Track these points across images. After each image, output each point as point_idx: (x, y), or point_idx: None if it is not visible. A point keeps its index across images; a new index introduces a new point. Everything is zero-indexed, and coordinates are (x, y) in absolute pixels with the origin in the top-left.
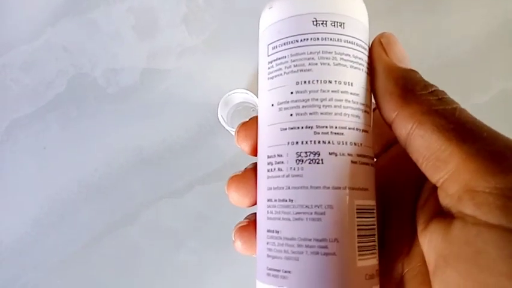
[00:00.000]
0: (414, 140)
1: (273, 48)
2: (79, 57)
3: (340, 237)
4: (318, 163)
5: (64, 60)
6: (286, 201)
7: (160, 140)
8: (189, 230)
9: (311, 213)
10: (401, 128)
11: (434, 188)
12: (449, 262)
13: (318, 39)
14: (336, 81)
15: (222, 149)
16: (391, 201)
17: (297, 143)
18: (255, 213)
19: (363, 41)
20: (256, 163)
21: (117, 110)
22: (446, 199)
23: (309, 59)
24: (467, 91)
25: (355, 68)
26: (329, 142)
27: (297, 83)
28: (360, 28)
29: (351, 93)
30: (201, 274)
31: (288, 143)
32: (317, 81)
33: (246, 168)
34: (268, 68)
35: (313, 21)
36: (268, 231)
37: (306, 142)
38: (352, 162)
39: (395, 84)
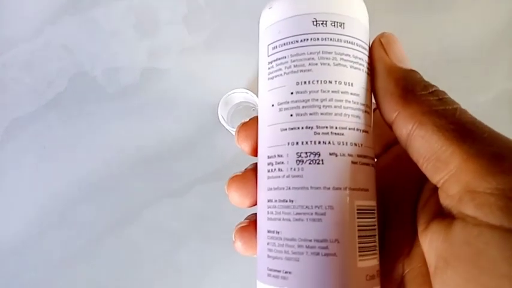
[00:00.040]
0: (415, 141)
1: (273, 48)
2: (79, 56)
3: (340, 238)
4: (318, 163)
5: (64, 59)
6: (286, 201)
7: (160, 139)
8: (189, 230)
9: (311, 214)
10: (402, 128)
11: (435, 189)
12: (449, 263)
13: (318, 39)
14: (336, 81)
15: (222, 149)
16: (392, 201)
17: (297, 143)
18: (256, 214)
19: (363, 41)
20: (256, 163)
21: (117, 109)
22: (446, 200)
23: (309, 59)
24: (469, 91)
25: (355, 68)
26: (329, 142)
27: (297, 84)
28: (360, 28)
29: (351, 94)
30: (201, 274)
31: (288, 144)
32: (317, 81)
33: (246, 169)
34: (268, 68)
35: (313, 22)
36: (269, 231)
37: (306, 142)
38: (353, 162)
39: (395, 85)
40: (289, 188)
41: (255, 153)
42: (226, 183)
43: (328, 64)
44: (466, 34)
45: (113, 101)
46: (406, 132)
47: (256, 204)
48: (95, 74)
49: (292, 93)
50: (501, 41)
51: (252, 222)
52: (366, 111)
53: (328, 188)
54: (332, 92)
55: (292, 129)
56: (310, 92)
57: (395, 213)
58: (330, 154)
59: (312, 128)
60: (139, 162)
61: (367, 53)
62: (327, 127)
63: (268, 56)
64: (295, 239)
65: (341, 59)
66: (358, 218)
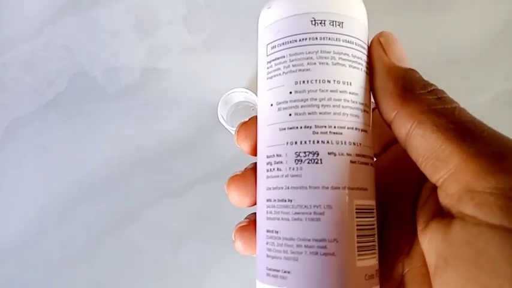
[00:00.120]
0: (414, 140)
1: (272, 48)
2: (79, 56)
3: (339, 237)
4: (316, 163)
5: (64, 59)
6: (285, 201)
7: (160, 139)
8: (189, 230)
9: (310, 213)
10: (401, 127)
11: (434, 188)
12: (449, 262)
13: (316, 38)
14: (334, 80)
15: (222, 149)
16: (391, 201)
17: (295, 143)
18: (255, 213)
19: (361, 41)
20: (256, 163)
21: (117, 109)
22: (446, 199)
23: (307, 58)
24: (468, 92)
25: (354, 67)
26: (328, 142)
27: (296, 83)
28: (358, 27)
29: (350, 93)
30: (201, 274)
31: (287, 143)
32: (316, 80)
33: (245, 168)
34: (267, 68)
35: (311, 21)
36: (268, 231)
37: (305, 142)
38: (351, 162)
39: (394, 84)
40: (288, 188)
41: (254, 152)
42: (226, 183)
43: (327, 63)
44: (465, 35)
45: (112, 101)
46: (405, 131)
47: (256, 203)
48: (94, 74)
49: (290, 92)
50: (500, 41)
51: (251, 222)
52: (364, 111)
53: (327, 188)
54: (331, 91)
55: (290, 128)
56: (308, 92)
57: (394, 212)
58: (329, 153)
59: (310, 127)
60: (139, 162)
61: (366, 52)
62: (325, 126)
63: (267, 56)
64: (294, 238)
65: (340, 58)
66: (357, 217)
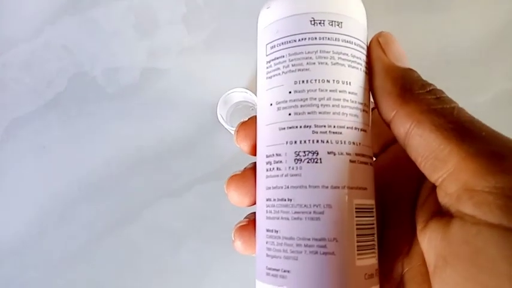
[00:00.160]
0: (413, 139)
1: (271, 47)
2: (79, 56)
3: (339, 237)
4: (316, 162)
5: (64, 59)
6: (285, 200)
7: (160, 139)
8: (189, 230)
9: (310, 213)
10: (400, 127)
11: (433, 187)
12: (448, 262)
13: (315, 38)
14: (334, 80)
15: (221, 149)
16: (391, 200)
17: (295, 142)
18: (255, 213)
19: (361, 40)
20: (255, 162)
21: (117, 109)
22: (445, 198)
23: (306, 58)
24: (467, 92)
25: (353, 67)
26: (327, 141)
27: (295, 83)
28: (357, 27)
29: (349, 93)
30: (201, 274)
31: (287, 143)
32: (315, 80)
33: (245, 168)
34: (267, 68)
35: (310, 21)
36: (267, 230)
37: (305, 141)
38: (351, 161)
39: (393, 84)
40: (288, 187)
41: (254, 152)
42: (226, 183)
43: (326, 63)
44: (464, 34)
45: (112, 101)
46: (404, 131)
47: (255, 203)
48: (94, 74)
49: (290, 92)
50: (500, 41)
51: (251, 221)
52: (364, 110)
53: (327, 187)
54: (330, 91)
55: (290, 128)
56: (308, 91)
57: (394, 211)
58: (328, 153)
59: (310, 127)
60: (139, 162)
61: (365, 52)
62: (325, 126)
63: (267, 56)
64: (293, 237)
65: (339, 58)
66: (356, 216)
